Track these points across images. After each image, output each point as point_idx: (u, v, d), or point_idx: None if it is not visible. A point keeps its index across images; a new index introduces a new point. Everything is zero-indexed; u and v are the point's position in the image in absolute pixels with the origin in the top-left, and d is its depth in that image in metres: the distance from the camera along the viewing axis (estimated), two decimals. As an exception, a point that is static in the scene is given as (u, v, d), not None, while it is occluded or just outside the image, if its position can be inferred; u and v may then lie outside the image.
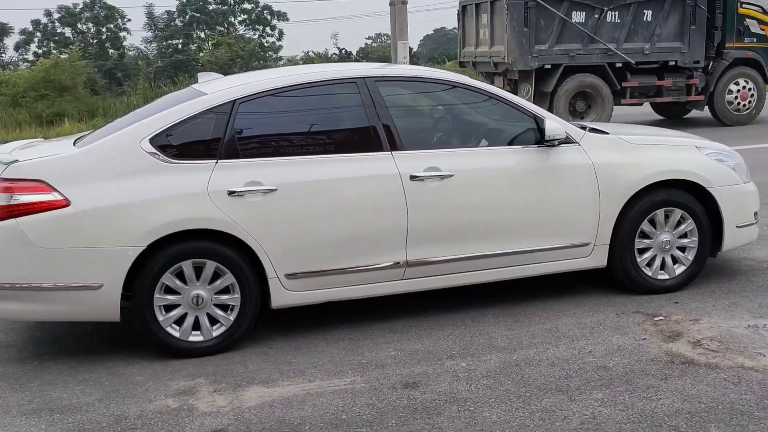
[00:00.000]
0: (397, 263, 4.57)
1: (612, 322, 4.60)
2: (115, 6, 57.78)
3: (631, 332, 4.42)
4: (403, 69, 5.43)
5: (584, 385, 3.79)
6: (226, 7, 62.68)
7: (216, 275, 4.34)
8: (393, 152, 4.57)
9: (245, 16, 63.63)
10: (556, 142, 4.74)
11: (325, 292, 4.54)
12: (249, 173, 4.34)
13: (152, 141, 4.30)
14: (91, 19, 57.83)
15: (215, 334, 4.37)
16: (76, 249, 4.12)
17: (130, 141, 4.30)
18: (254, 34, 59.82)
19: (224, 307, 4.39)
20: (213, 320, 4.38)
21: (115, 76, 35.72)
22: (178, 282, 4.28)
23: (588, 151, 4.85)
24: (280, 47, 58.12)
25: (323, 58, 38.39)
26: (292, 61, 38.15)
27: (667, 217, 5.00)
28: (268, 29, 61.57)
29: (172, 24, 59.21)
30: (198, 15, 59.43)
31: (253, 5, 62.99)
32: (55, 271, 4.13)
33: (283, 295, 4.44)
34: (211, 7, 60.55)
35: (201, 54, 29.67)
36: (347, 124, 4.71)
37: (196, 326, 4.36)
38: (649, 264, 5.03)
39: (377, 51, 43.80)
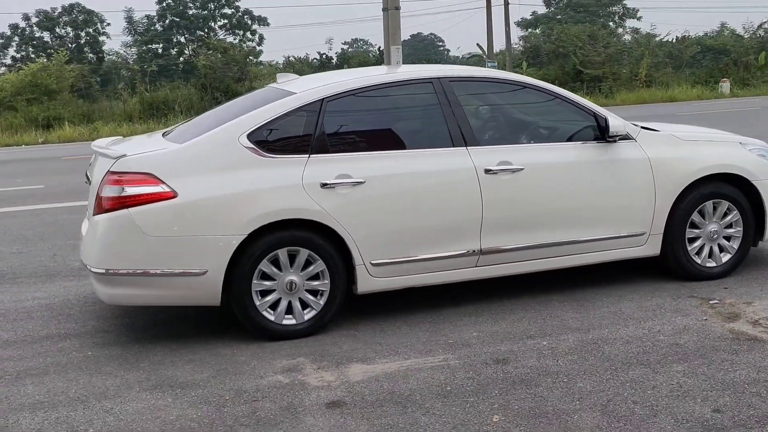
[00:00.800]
0: (472, 251, 4.90)
1: (670, 305, 4.96)
2: (93, 10, 57.70)
3: (692, 314, 4.78)
4: (473, 70, 5.78)
5: (663, 359, 4.13)
6: (206, 12, 62.73)
7: (308, 262, 4.64)
8: (468, 148, 4.90)
9: (225, 21, 63.68)
10: (617, 139, 5.09)
11: (405, 278, 4.85)
12: (339, 167, 4.65)
13: (249, 137, 4.60)
14: (70, 23, 57.62)
15: (306, 317, 4.67)
16: (184, 238, 4.41)
17: (229, 137, 4.60)
18: (235, 39, 59.98)
19: (314, 293, 4.68)
20: (304, 305, 4.67)
21: (96, 80, 35.71)
22: (273, 269, 4.58)
23: (644, 147, 5.21)
24: (260, 52, 58.38)
25: (304, 63, 38.62)
26: (273, 67, 38.27)
27: (714, 208, 5.37)
28: (248, 34, 61.63)
29: (152, 28, 59.13)
30: (178, 20, 59.28)
31: (233, 10, 63.09)
32: (165, 259, 4.41)
33: (368, 282, 4.75)
34: (191, 12, 60.46)
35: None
36: (425, 121, 5.03)
37: (289, 311, 4.65)
38: (698, 252, 5.39)
39: (356, 56, 44.09)
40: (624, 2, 59.92)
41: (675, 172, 5.23)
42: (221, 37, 61.62)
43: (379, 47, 38.56)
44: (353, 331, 4.75)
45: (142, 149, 4.66)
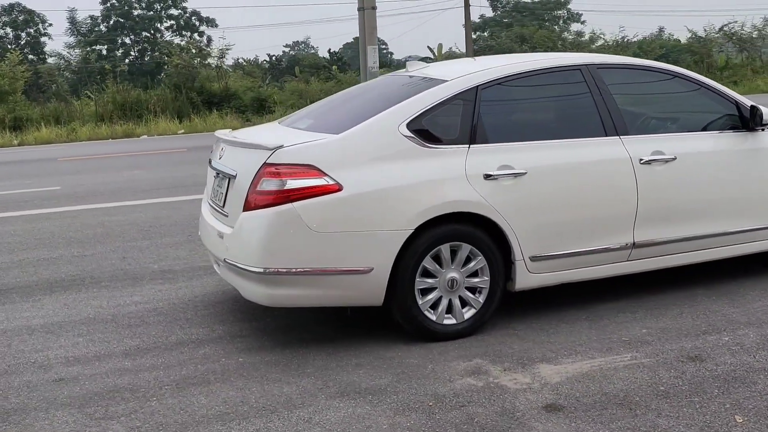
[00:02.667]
0: (626, 245, 4.70)
1: (823, 297, 4.84)
2: (34, 10, 56.00)
3: None
4: (617, 58, 5.57)
5: None
6: (152, 13, 61.63)
7: (468, 259, 4.38)
8: (621, 137, 4.71)
9: (172, 22, 62.64)
10: (766, 128, 4.96)
11: (560, 274, 4.63)
12: (500, 157, 4.41)
13: (409, 126, 4.32)
14: (10, 23, 55.87)
15: (466, 316, 4.41)
16: (350, 233, 4.12)
17: (389, 126, 4.31)
18: (182, 41, 59.00)
19: (473, 290, 4.43)
20: (463, 303, 4.42)
21: (36, 82, 34.58)
22: (436, 265, 4.31)
23: None
24: (208, 54, 57.48)
25: (254, 65, 38.06)
26: (223, 69, 37.35)
27: None
28: (196, 36, 60.55)
29: (96, 29, 57.71)
30: (123, 21, 57.99)
31: (180, 11, 62.08)
32: (330, 256, 4.11)
33: (526, 278, 4.52)
34: (136, 13, 59.21)
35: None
36: (577, 109, 4.82)
37: (448, 310, 4.39)
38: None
39: (305, 59, 43.76)
40: (568, 6, 61.06)
41: None
42: (167, 38, 60.53)
43: (330, 49, 38.19)
44: (511, 330, 4.51)
45: (296, 139, 4.34)
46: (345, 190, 4.11)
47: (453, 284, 4.34)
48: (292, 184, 4.08)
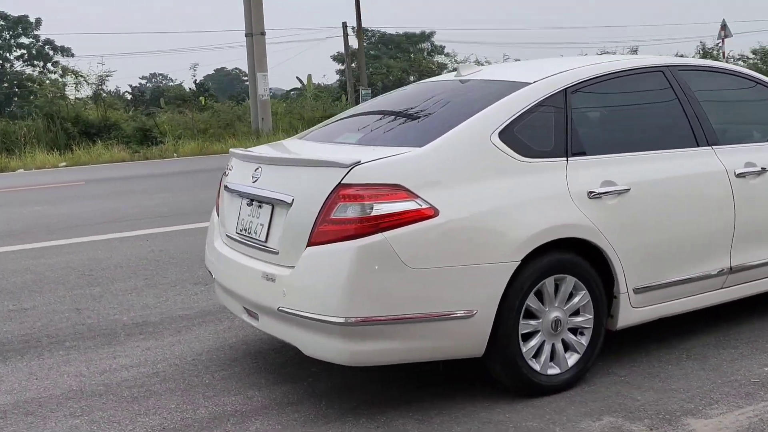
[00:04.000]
0: (722, 270, 4.12)
1: None
2: None
3: None
4: (693, 60, 5.00)
5: None
6: (1, 41, 58.19)
7: (570, 294, 3.66)
8: (713, 147, 4.14)
9: (23, 51, 59.27)
10: None
11: (659, 307, 3.97)
12: (601, 172, 3.73)
13: (501, 136, 3.57)
14: None
15: (570, 363, 3.68)
16: (448, 269, 3.29)
17: (480, 136, 3.54)
18: (33, 71, 55.71)
19: (575, 331, 3.71)
20: (565, 347, 3.68)
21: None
22: (540, 304, 3.56)
23: None
24: (64, 84, 54.64)
25: (115, 96, 36.26)
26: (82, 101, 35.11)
27: None
28: (50, 65, 57.31)
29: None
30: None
31: (32, 40, 58.84)
32: (428, 298, 3.28)
33: (628, 314, 3.84)
34: (-17, 40, 55.82)
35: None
36: (666, 116, 4.20)
37: (551, 356, 3.64)
38: None
39: (169, 90, 42.23)
40: (432, 40, 62.21)
41: None
42: (17, 68, 57.07)
43: (195, 80, 36.94)
44: (615, 376, 3.81)
45: (369, 155, 3.46)
46: (441, 215, 3.29)
47: (557, 326, 3.60)
48: (380, 208, 3.22)
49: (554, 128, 3.74)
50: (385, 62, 53.64)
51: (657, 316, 3.98)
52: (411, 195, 3.27)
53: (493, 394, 3.61)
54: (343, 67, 50.58)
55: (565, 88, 3.84)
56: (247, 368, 4.14)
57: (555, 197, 3.57)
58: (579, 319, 3.69)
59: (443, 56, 57.80)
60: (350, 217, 3.23)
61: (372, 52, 59.75)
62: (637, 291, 3.81)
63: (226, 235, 4.03)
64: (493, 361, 3.51)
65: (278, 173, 3.67)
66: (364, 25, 41.34)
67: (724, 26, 34.06)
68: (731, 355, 4.03)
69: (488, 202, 3.41)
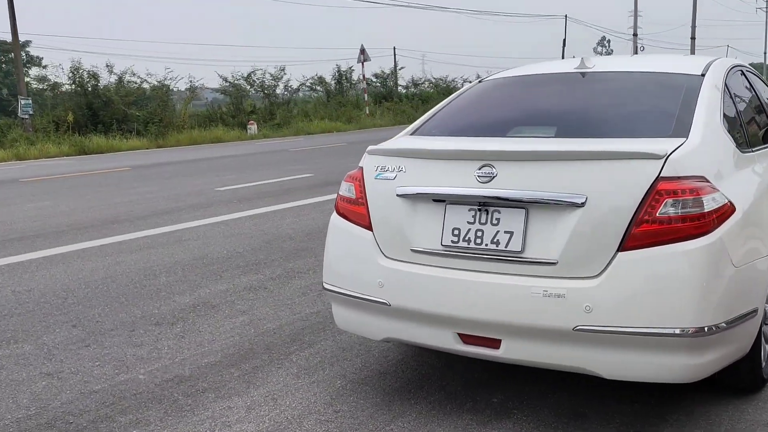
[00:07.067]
0: None
1: None
2: None
3: None
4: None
5: None
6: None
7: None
8: None
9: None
10: None
11: None
12: None
13: (726, 127, 3.46)
14: None
15: (782, 363, 3.64)
16: (747, 266, 3.07)
17: (720, 127, 3.37)
18: None
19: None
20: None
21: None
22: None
23: None
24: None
25: None
26: None
27: None
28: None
29: None
30: None
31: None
32: (745, 298, 3.03)
33: None
34: None
35: None
36: None
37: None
38: None
39: None
40: (27, 49, 56.30)
41: None
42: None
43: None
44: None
45: (645, 146, 3.04)
46: (738, 209, 3.07)
47: None
48: (709, 204, 2.90)
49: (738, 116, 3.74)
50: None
51: None
52: (713, 189, 2.99)
53: (687, 391, 3.44)
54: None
55: (725, 76, 3.84)
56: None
57: None
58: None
59: (41, 68, 52.33)
60: (680, 214, 2.84)
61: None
62: None
63: (412, 250, 3.25)
64: (746, 372, 3.37)
65: (529, 171, 3.06)
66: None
67: (363, 51, 36.71)
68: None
69: (753, 192, 3.29)
